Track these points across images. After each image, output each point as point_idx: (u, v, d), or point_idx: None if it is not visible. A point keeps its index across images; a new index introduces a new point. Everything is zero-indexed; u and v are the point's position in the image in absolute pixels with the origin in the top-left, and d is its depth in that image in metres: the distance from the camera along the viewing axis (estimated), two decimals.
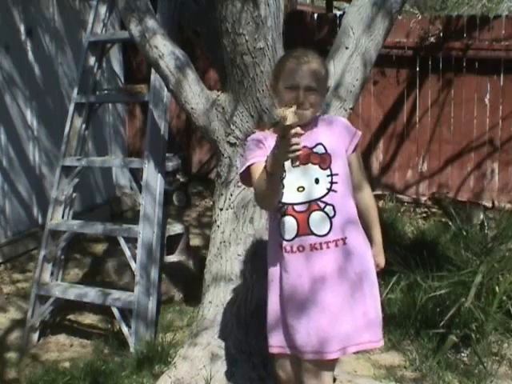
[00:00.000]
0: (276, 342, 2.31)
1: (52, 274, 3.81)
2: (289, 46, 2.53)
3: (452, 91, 6.08)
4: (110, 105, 6.20)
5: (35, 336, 3.72)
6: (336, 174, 2.23)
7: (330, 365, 2.29)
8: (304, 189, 2.22)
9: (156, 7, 3.49)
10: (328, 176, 2.22)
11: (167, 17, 3.64)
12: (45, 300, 3.72)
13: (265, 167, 2.08)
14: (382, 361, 3.36)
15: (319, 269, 2.19)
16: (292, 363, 2.36)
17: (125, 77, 6.50)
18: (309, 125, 2.27)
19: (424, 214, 6.04)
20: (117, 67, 6.42)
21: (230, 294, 2.96)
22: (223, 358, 2.93)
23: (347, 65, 2.92)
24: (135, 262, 3.51)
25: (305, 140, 2.18)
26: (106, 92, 5.25)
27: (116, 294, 3.58)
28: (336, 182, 2.23)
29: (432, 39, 6.04)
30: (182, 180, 6.35)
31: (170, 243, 4.21)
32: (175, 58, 3.06)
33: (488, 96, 5.96)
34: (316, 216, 2.21)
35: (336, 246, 2.21)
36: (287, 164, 2.01)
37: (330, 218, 2.20)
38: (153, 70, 3.44)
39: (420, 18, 6.43)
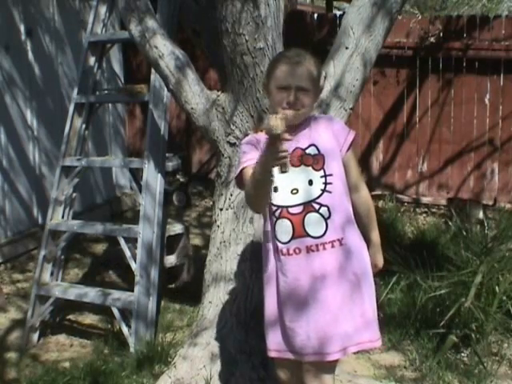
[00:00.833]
0: (274, 346, 2.29)
1: (52, 274, 3.81)
2: (289, 46, 2.52)
3: (452, 91, 6.07)
4: (109, 105, 6.19)
5: (35, 336, 3.71)
6: (330, 175, 2.21)
7: (331, 367, 2.27)
8: (298, 191, 2.20)
9: (156, 7, 3.49)
10: (322, 177, 2.21)
11: (167, 17, 3.63)
12: (45, 300, 3.71)
13: (253, 172, 2.07)
14: (382, 361, 3.36)
15: (318, 269, 2.18)
16: (292, 364, 2.34)
17: (125, 77, 6.49)
18: (302, 125, 2.25)
19: (424, 214, 6.05)
20: (117, 67, 6.41)
21: (230, 293, 2.96)
22: (223, 358, 2.93)
23: (347, 65, 2.92)
24: (135, 261, 3.51)
25: (297, 141, 2.18)
26: (106, 92, 5.24)
27: (116, 294, 3.58)
28: (330, 183, 2.21)
29: (432, 39, 6.04)
30: (181, 180, 6.31)
31: (170, 243, 4.21)
32: (175, 58, 3.05)
33: (488, 96, 5.96)
34: (311, 217, 2.19)
35: (332, 246, 2.19)
36: (276, 169, 1.99)
37: (326, 219, 2.19)
38: (153, 70, 3.44)
39: (420, 17, 6.42)
